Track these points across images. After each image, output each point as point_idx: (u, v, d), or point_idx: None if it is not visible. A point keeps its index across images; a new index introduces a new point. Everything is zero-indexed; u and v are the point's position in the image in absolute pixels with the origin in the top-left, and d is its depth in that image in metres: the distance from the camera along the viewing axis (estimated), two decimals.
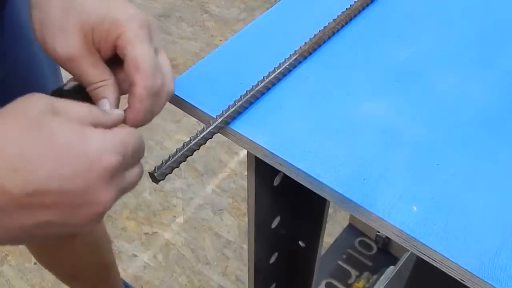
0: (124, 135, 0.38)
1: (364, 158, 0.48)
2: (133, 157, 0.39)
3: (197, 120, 0.53)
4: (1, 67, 0.64)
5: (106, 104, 0.43)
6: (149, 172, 0.46)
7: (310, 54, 0.57)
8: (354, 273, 1.30)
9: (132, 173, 0.40)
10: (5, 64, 0.64)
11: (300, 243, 0.76)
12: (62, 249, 1.01)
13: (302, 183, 0.48)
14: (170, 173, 0.47)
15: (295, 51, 0.55)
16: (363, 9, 0.62)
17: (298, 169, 0.47)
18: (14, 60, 0.65)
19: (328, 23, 0.59)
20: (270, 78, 0.53)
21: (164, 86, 0.44)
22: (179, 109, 0.53)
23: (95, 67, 0.43)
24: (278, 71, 0.53)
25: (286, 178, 0.50)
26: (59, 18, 0.42)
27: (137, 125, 0.42)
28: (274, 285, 0.80)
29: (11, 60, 0.65)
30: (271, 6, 0.64)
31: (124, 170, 0.39)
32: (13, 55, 0.65)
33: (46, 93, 0.38)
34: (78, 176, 0.34)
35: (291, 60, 0.54)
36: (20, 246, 1.47)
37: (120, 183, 0.38)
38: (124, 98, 0.45)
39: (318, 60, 0.57)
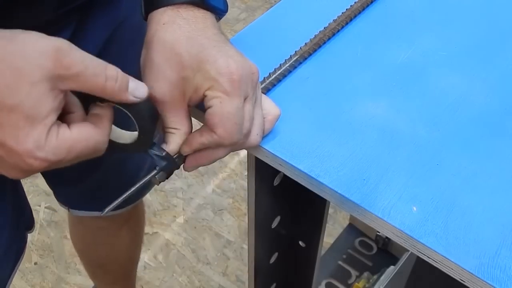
0: (74, 142, 0.38)
1: (364, 158, 0.48)
2: (74, 159, 0.39)
3: (197, 121, 0.53)
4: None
5: (164, 147, 0.45)
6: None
7: (310, 55, 0.57)
8: (354, 273, 1.30)
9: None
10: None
11: (300, 243, 0.76)
12: (105, 236, 1.05)
13: (302, 183, 0.48)
14: (170, 175, 0.47)
15: (295, 52, 0.55)
16: (363, 9, 0.62)
17: (298, 169, 0.47)
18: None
19: (329, 24, 0.59)
20: (270, 79, 0.53)
21: (246, 138, 0.46)
22: None
23: (174, 116, 0.45)
24: (279, 72, 0.54)
25: (286, 178, 0.50)
26: (159, 62, 0.45)
27: (195, 166, 0.46)
28: (274, 285, 0.80)
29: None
30: (271, 6, 0.64)
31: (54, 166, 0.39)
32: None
33: None
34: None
35: (291, 61, 0.55)
36: None
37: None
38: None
39: (318, 61, 0.57)
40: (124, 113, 0.42)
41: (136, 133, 0.44)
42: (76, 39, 0.60)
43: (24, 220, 0.73)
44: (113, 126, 0.43)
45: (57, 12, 0.57)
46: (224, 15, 0.51)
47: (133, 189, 0.45)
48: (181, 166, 0.47)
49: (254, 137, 0.46)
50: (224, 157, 0.46)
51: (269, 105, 0.49)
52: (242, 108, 0.44)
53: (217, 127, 0.43)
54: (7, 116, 0.36)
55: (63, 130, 0.38)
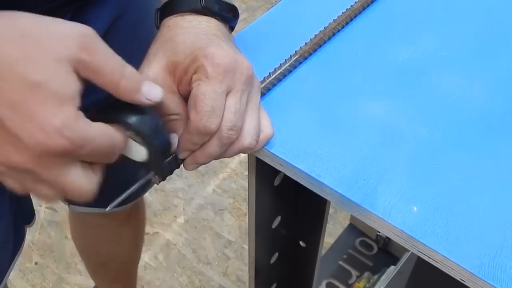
0: (98, 134, 0.36)
1: (365, 158, 0.48)
2: (88, 155, 0.37)
3: None
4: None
5: (175, 138, 0.45)
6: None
7: (310, 54, 0.57)
8: (354, 273, 1.30)
9: (75, 172, 0.37)
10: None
11: (301, 243, 0.76)
12: (106, 234, 1.05)
13: (302, 183, 0.48)
14: (170, 174, 0.47)
15: (295, 51, 0.55)
16: (364, 9, 0.62)
17: (299, 169, 0.47)
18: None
19: (329, 24, 0.59)
20: (270, 78, 0.53)
21: (238, 139, 0.45)
22: None
23: (170, 100, 0.45)
24: (279, 71, 0.54)
25: (286, 178, 0.50)
26: (156, 48, 0.47)
27: (183, 155, 0.45)
28: (274, 285, 0.80)
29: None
30: (272, 6, 0.64)
31: (71, 161, 0.37)
32: None
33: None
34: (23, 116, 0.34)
35: (291, 61, 0.55)
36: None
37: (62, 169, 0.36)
38: None
39: (318, 61, 0.57)
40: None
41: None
42: None
43: (22, 212, 0.73)
44: (133, 142, 0.41)
45: (52, 3, 0.56)
46: (235, 22, 0.52)
47: (135, 185, 0.45)
48: (181, 165, 0.48)
49: (248, 140, 0.45)
50: (220, 154, 0.46)
51: (264, 123, 0.48)
52: (221, 94, 0.43)
53: (190, 109, 0.43)
54: (31, 92, 0.34)
55: (88, 120, 0.36)
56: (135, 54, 0.55)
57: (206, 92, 0.42)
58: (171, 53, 0.46)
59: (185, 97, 0.46)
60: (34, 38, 0.35)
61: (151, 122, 0.40)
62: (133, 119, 0.38)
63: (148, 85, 0.39)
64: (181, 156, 0.46)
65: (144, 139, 0.40)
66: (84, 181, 0.38)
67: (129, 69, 0.38)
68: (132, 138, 0.40)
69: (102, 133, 0.37)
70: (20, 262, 1.47)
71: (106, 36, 0.63)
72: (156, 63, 0.46)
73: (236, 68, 0.44)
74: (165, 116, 0.45)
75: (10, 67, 0.33)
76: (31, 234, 1.51)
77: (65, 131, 0.34)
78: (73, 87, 0.35)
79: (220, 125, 0.43)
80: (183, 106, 0.46)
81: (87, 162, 0.38)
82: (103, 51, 0.37)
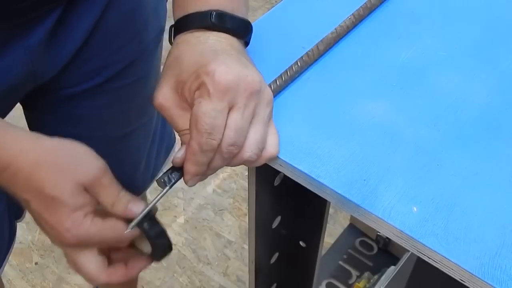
0: (104, 228, 0.46)
1: (365, 159, 0.48)
2: (99, 243, 0.48)
3: None
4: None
5: (181, 151, 0.46)
6: (156, 180, 0.48)
7: (315, 61, 0.56)
8: (354, 273, 1.30)
9: (82, 258, 0.48)
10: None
11: (301, 243, 0.76)
12: None
13: (302, 184, 0.48)
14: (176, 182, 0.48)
15: (298, 63, 0.54)
16: (369, 14, 0.62)
17: (299, 170, 0.47)
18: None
19: (335, 29, 0.58)
20: (275, 87, 0.52)
21: (239, 152, 0.45)
22: None
23: (179, 118, 0.46)
24: (284, 79, 0.53)
25: (286, 178, 0.50)
26: (166, 67, 0.48)
27: (192, 174, 0.46)
28: (274, 285, 0.80)
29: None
30: (272, 7, 0.64)
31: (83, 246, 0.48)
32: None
33: None
34: (48, 223, 0.47)
35: (293, 71, 0.54)
36: (19, 246, 1.48)
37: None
38: None
39: (318, 61, 0.57)
40: None
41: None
42: (63, 24, 0.60)
43: (13, 207, 0.74)
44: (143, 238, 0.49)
45: None
46: (248, 36, 0.52)
47: (155, 200, 0.47)
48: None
49: (248, 153, 0.45)
50: (222, 167, 0.47)
51: (270, 141, 0.47)
52: (222, 112, 0.43)
53: (192, 128, 0.44)
54: (55, 204, 0.45)
55: (97, 219, 0.46)
56: (126, 45, 0.58)
57: (206, 111, 0.43)
58: (177, 71, 0.46)
59: None
60: (62, 167, 0.45)
61: (157, 229, 0.49)
62: (145, 225, 0.48)
63: (132, 203, 0.47)
64: (189, 184, 0.47)
65: (150, 240, 0.49)
66: (92, 268, 0.48)
67: (122, 193, 0.47)
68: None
69: (105, 228, 0.46)
70: (20, 262, 1.47)
71: (96, 27, 0.63)
72: (165, 83, 0.47)
73: (240, 84, 0.44)
74: (177, 132, 0.47)
75: (41, 187, 0.45)
76: (31, 234, 1.51)
77: (73, 230, 0.45)
78: (85, 200, 0.45)
79: (221, 141, 0.44)
80: None
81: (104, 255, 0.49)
82: (109, 184, 0.47)
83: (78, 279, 1.44)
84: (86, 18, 0.62)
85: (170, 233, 1.51)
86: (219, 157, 0.45)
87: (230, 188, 1.64)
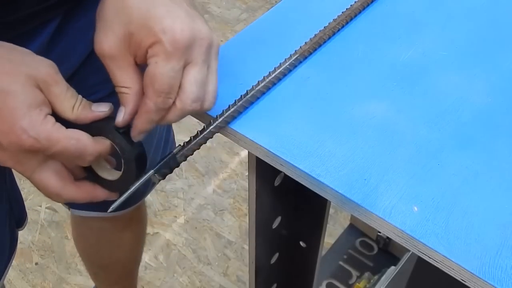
0: (66, 136, 0.42)
1: (365, 158, 0.48)
2: (59, 153, 0.42)
3: (198, 121, 0.53)
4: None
5: (121, 113, 0.44)
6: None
7: (310, 54, 0.57)
8: (355, 273, 1.30)
9: (43, 169, 0.43)
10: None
11: (301, 243, 0.76)
12: (108, 237, 1.06)
13: (303, 183, 0.48)
14: (170, 173, 0.47)
15: (295, 51, 0.55)
16: (364, 9, 0.62)
17: (299, 169, 0.47)
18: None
19: (329, 23, 0.59)
20: (270, 77, 0.53)
21: (202, 103, 0.45)
22: None
23: (122, 71, 0.44)
24: (279, 70, 0.53)
25: (287, 178, 0.50)
26: (110, 16, 0.44)
27: (142, 132, 0.45)
28: (275, 285, 0.80)
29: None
30: (272, 7, 0.64)
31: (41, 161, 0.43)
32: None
33: None
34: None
35: (291, 60, 0.54)
36: (19, 246, 1.48)
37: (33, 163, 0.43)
38: None
39: (318, 60, 0.57)
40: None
41: (120, 172, 0.46)
42: (62, 38, 0.59)
43: (14, 216, 0.74)
44: (104, 163, 0.47)
45: (44, 3, 0.55)
46: None
47: (135, 185, 0.45)
48: (181, 163, 0.48)
49: (208, 105, 0.46)
50: (176, 120, 0.45)
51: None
52: (179, 71, 0.43)
53: (147, 87, 0.43)
54: (4, 99, 0.40)
55: (60, 125, 0.42)
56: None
57: (164, 71, 0.42)
58: (126, 20, 0.43)
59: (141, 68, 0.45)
60: (9, 57, 0.42)
61: (127, 136, 0.45)
62: (116, 136, 0.44)
63: (96, 104, 0.44)
64: (136, 139, 0.45)
65: (118, 147, 0.45)
66: (53, 183, 0.43)
67: (80, 97, 0.44)
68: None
69: (69, 136, 0.42)
70: (20, 262, 1.46)
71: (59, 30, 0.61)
72: (111, 31, 0.43)
73: (196, 40, 0.43)
74: (116, 87, 0.45)
75: None
76: (31, 234, 1.51)
77: (31, 131, 0.40)
78: (40, 97, 0.41)
79: (183, 98, 0.43)
80: (137, 79, 0.44)
81: (67, 170, 0.44)
82: (64, 82, 0.43)
83: (78, 279, 1.44)
84: (89, 31, 0.62)
85: (170, 234, 1.51)
86: (179, 113, 0.44)
87: (230, 188, 1.63)
